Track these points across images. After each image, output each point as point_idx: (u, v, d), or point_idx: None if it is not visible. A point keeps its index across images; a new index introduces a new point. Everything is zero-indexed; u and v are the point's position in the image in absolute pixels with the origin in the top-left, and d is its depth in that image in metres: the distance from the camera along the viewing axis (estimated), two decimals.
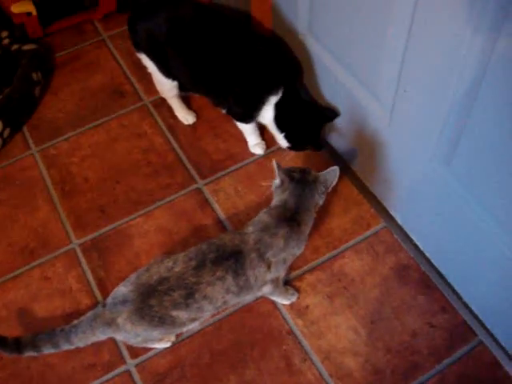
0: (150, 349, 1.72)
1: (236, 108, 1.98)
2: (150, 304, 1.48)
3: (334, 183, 1.65)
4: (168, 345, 1.72)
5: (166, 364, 1.71)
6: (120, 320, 1.50)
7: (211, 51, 1.92)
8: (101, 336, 1.56)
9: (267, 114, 1.93)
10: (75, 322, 1.58)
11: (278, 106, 1.90)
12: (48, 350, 1.59)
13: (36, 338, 1.59)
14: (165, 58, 1.99)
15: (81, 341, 1.57)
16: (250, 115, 1.97)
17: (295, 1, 1.90)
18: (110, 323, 1.51)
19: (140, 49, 2.04)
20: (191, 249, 1.55)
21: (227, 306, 1.60)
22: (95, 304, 1.82)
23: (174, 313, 1.49)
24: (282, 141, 1.98)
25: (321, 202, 1.64)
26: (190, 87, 2.08)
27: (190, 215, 1.99)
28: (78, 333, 1.55)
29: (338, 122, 1.98)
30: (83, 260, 1.92)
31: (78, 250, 1.94)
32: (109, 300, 1.55)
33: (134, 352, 1.73)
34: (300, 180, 1.60)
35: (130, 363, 1.72)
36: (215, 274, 1.49)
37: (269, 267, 1.55)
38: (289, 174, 1.60)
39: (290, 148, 1.98)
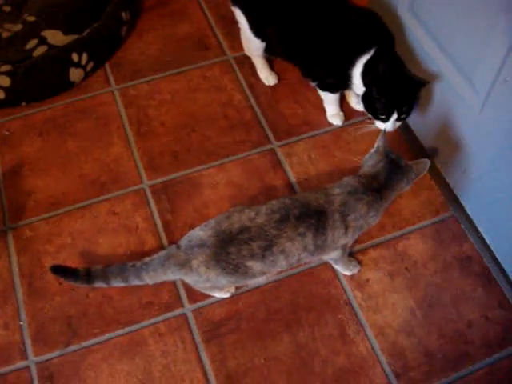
0: (209, 296, 1.75)
1: (326, 78, 1.97)
2: (229, 251, 1.49)
3: (422, 175, 1.64)
4: (227, 295, 1.75)
5: (223, 314, 1.74)
6: (195, 262, 1.52)
7: (306, 19, 1.90)
8: (171, 276, 1.59)
9: (356, 73, 1.87)
10: (147, 259, 1.61)
11: (367, 65, 1.84)
12: (117, 284, 1.63)
13: (107, 271, 1.63)
14: (259, 17, 1.98)
15: (151, 278, 1.60)
16: (339, 84, 1.96)
17: None
18: (184, 264, 1.53)
19: (236, 2, 2.03)
20: (273, 202, 1.56)
21: (298, 263, 1.61)
22: (159, 245, 1.85)
23: (249, 263, 1.51)
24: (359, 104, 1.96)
25: (406, 189, 1.64)
26: (280, 52, 2.07)
27: (262, 174, 2.00)
28: (149, 270, 1.58)
29: (424, 104, 1.96)
30: (152, 201, 1.94)
31: (148, 191, 1.96)
32: (183, 242, 1.57)
33: (193, 297, 1.76)
34: (394, 161, 1.59)
35: (188, 307, 1.75)
36: (297, 230, 1.50)
37: (346, 230, 1.55)
38: (386, 150, 1.60)
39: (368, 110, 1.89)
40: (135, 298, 1.76)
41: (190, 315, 1.74)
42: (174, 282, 1.77)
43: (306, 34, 1.91)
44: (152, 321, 1.73)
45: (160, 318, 1.73)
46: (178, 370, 1.66)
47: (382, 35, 1.89)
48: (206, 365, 1.66)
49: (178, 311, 1.74)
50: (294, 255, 1.54)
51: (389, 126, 1.84)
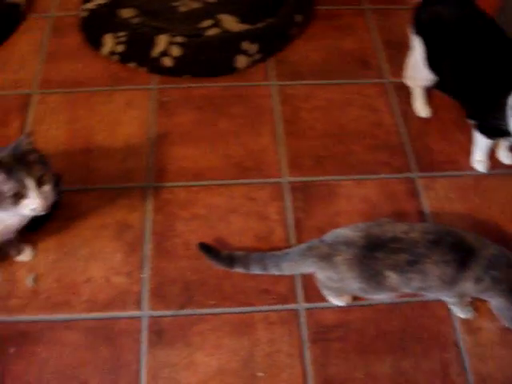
0: (324, 300, 1.78)
1: (492, 120, 1.98)
2: (376, 256, 1.53)
3: None
4: (342, 304, 1.78)
5: (334, 320, 1.76)
6: (338, 259, 1.56)
7: (479, 58, 1.92)
8: (307, 268, 1.64)
9: None
10: (287, 250, 1.67)
11: None
12: (256, 271, 1.70)
13: (248, 257, 1.71)
14: (438, 50, 2.01)
15: (288, 268, 1.66)
16: (501, 130, 1.95)
17: None
18: (325, 258, 1.58)
19: (418, 30, 2.05)
20: (428, 224, 1.62)
21: (422, 291, 1.63)
22: (287, 239, 1.90)
23: (389, 273, 1.54)
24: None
25: None
26: (448, 88, 2.09)
27: (396, 199, 2.02)
28: (288, 260, 1.64)
29: None
30: (288, 197, 2.00)
31: (287, 187, 2.02)
32: (328, 237, 1.62)
33: (308, 296, 1.80)
34: None
35: (301, 305, 1.79)
36: (444, 257, 1.53)
37: (477, 281, 1.57)
38: None
39: None
40: (254, 283, 1.81)
41: (302, 313, 1.77)
42: (292, 277, 1.81)
43: (478, 72, 1.92)
44: (265, 308, 1.78)
45: (273, 307, 1.78)
46: (280, 361, 1.69)
47: None
48: (308, 364, 1.69)
49: (291, 306, 1.79)
50: (429, 280, 1.56)
51: None
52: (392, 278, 1.56)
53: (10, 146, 1.52)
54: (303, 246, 1.65)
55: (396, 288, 1.61)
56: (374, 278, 1.56)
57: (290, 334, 1.74)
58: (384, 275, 1.55)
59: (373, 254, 1.54)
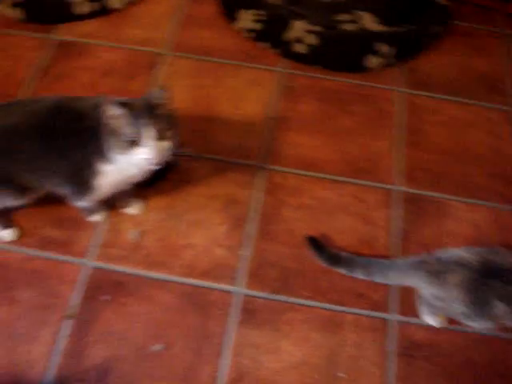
0: (417, 316, 1.76)
1: None
2: (489, 283, 1.51)
3: None
4: (435, 324, 1.75)
5: (423, 338, 1.75)
6: (450, 278, 1.55)
7: None
8: (414, 281, 1.64)
9: None
10: (396, 259, 1.66)
11: None
12: (359, 275, 1.71)
13: (354, 260, 1.71)
14: None
15: (394, 278, 1.67)
16: None
17: None
18: (436, 275, 1.57)
19: None
20: None
21: None
22: (390, 248, 1.88)
23: (498, 303, 1.52)
24: None
25: None
26: None
27: (506, 231, 1.98)
28: (397, 270, 1.64)
29: None
30: (398, 206, 1.98)
31: (398, 196, 2.01)
32: (441, 254, 1.61)
33: (402, 309, 1.78)
34: None
35: (393, 316, 1.77)
36: None
37: None
38: None
39: None
40: (350, 284, 1.80)
41: (393, 324, 1.76)
42: (388, 287, 1.80)
43: None
44: (357, 311, 1.77)
45: (365, 312, 1.77)
46: (363, 366, 1.69)
47: None
48: (390, 376, 1.68)
49: (383, 315, 1.77)
50: None
51: None
52: (499, 308, 1.53)
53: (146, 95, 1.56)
54: (414, 258, 1.64)
55: (498, 318, 1.58)
56: (480, 304, 1.54)
57: (378, 342, 1.73)
58: (492, 304, 1.53)
59: (486, 281, 1.52)
